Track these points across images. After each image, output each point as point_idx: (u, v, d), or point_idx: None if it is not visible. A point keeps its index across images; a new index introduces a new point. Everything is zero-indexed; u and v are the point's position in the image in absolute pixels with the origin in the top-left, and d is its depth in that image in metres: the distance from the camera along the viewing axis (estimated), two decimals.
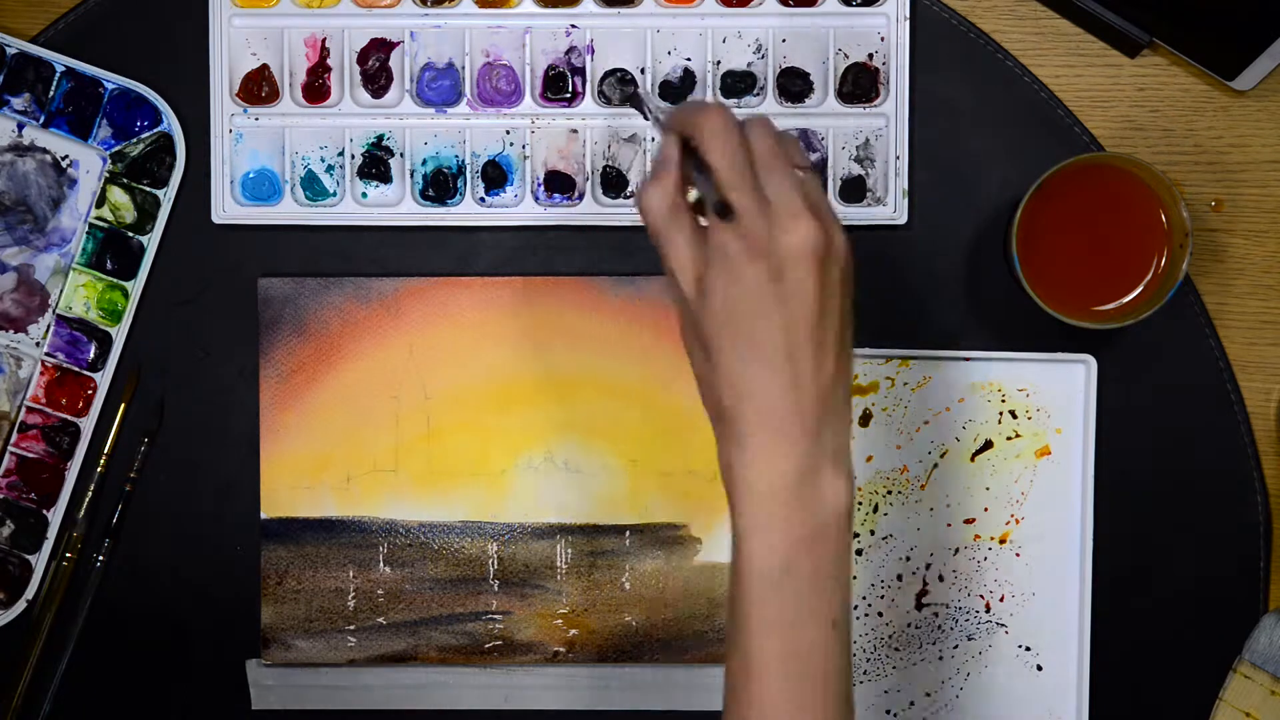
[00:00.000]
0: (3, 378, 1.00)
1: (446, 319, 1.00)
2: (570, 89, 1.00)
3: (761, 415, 0.72)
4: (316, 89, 1.00)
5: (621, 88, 1.00)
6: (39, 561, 1.00)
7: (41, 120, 0.99)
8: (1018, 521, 1.00)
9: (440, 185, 1.00)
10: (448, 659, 1.01)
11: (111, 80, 0.99)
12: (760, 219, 0.72)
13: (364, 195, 1.00)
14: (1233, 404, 1.00)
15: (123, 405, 1.00)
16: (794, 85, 1.00)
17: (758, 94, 0.99)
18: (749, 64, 1.00)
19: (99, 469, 1.00)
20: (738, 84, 1.00)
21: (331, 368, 1.00)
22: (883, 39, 0.99)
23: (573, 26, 1.00)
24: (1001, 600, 1.00)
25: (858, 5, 0.99)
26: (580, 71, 1.00)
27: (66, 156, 1.00)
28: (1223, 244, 1.00)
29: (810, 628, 0.72)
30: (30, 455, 1.00)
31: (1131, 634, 1.00)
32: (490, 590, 1.00)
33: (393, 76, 1.00)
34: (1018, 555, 1.00)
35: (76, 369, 1.00)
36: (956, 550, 1.00)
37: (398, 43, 1.00)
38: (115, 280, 1.00)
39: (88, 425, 1.00)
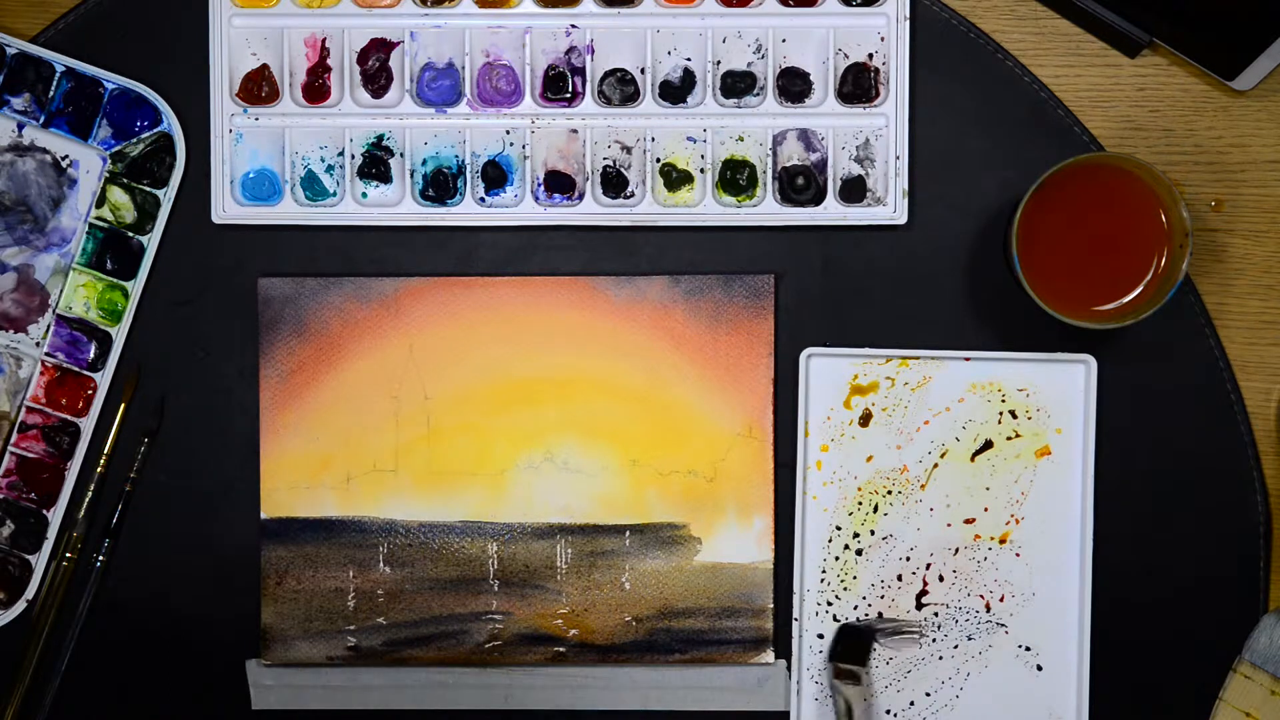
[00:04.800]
0: (3, 378, 1.00)
1: (446, 319, 1.00)
2: (570, 89, 1.00)
3: None
4: (316, 89, 1.00)
5: (622, 88, 1.00)
6: (39, 561, 1.00)
7: (41, 120, 0.99)
8: (1018, 521, 1.00)
9: (440, 185, 1.00)
10: (448, 659, 1.01)
11: (111, 80, 0.99)
12: None
13: (364, 195, 1.00)
14: (1233, 404, 1.00)
15: (123, 405, 1.00)
16: (794, 85, 1.00)
17: (758, 94, 0.99)
18: (749, 64, 1.00)
19: (99, 469, 1.00)
20: (738, 84, 1.00)
21: (331, 368, 1.00)
22: (883, 39, 0.99)
23: (573, 26, 1.00)
24: (1001, 600, 1.00)
25: (858, 5, 0.99)
26: (580, 71, 1.00)
27: (66, 156, 1.00)
28: (1223, 244, 1.00)
29: None
30: (30, 455, 1.00)
31: (1131, 634, 1.00)
32: (490, 590, 1.00)
33: (393, 76, 1.00)
34: (1018, 555, 1.00)
35: (76, 369, 1.00)
36: (956, 550, 1.00)
37: (398, 43, 1.00)
38: (115, 280, 1.00)
39: (88, 425, 1.00)
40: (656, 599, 1.00)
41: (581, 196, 1.00)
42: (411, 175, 1.00)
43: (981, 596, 1.00)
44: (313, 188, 1.00)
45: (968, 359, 0.99)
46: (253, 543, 1.01)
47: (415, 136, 1.00)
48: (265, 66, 1.00)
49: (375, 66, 1.00)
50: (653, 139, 0.99)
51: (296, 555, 1.00)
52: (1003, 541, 1.00)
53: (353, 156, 1.00)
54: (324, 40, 1.00)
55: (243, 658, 1.01)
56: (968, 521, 1.00)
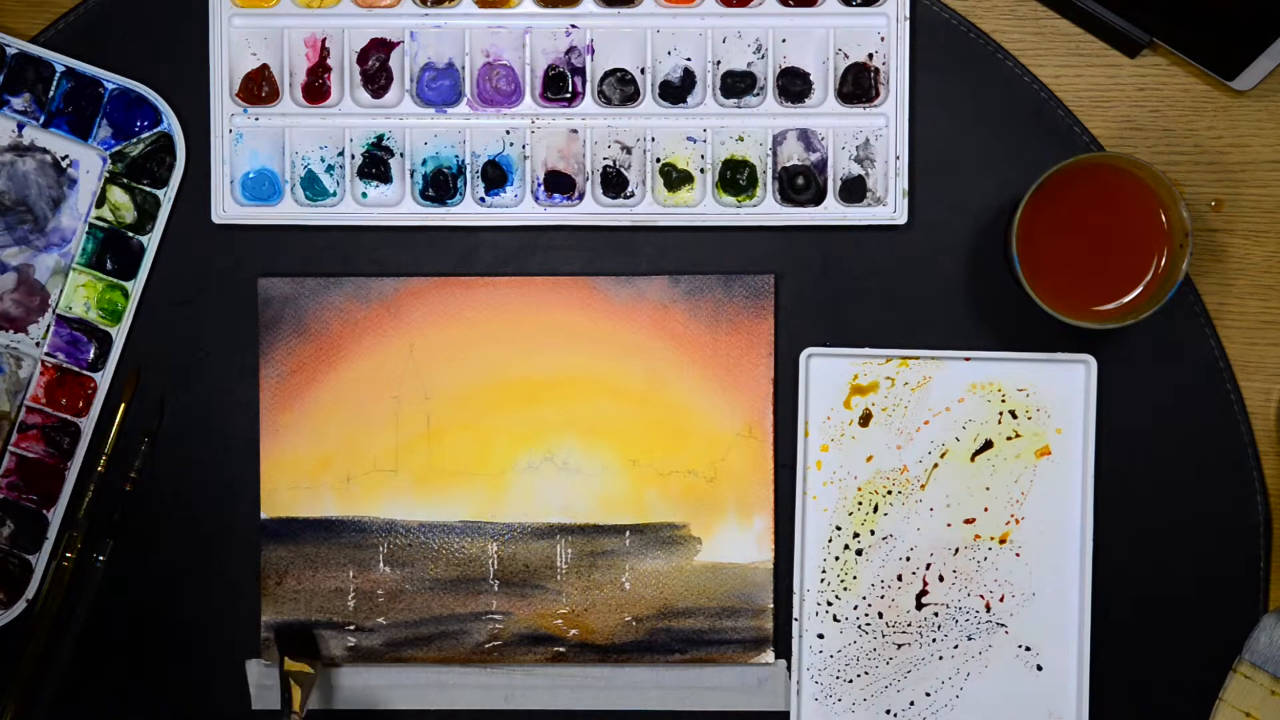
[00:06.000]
0: (3, 378, 1.00)
1: (446, 319, 1.00)
2: (570, 89, 1.00)
3: None
4: (316, 89, 1.00)
5: (622, 88, 1.00)
6: (39, 561, 1.00)
7: (41, 120, 0.99)
8: (1018, 521, 1.00)
9: (440, 185, 1.00)
10: (448, 659, 1.01)
11: (111, 80, 0.99)
12: None
13: (364, 195, 1.00)
14: (1233, 404, 1.00)
15: (123, 405, 1.00)
16: (794, 85, 1.00)
17: (758, 94, 0.99)
18: (749, 64, 1.00)
19: (99, 469, 1.00)
20: (738, 84, 1.00)
21: (331, 368, 1.00)
22: (883, 39, 0.99)
23: (573, 26, 1.00)
24: (1001, 600, 1.00)
25: (858, 5, 0.99)
26: (580, 71, 1.00)
27: (66, 156, 1.00)
28: (1223, 244, 1.00)
29: None
30: (30, 455, 1.00)
31: (1131, 634, 1.00)
32: (490, 590, 1.00)
33: (393, 76, 1.00)
34: (1018, 555, 1.00)
35: (76, 369, 1.00)
36: (956, 550, 1.00)
37: (398, 43, 1.00)
38: (115, 280, 1.00)
39: (88, 425, 1.00)
40: (656, 599, 1.00)
41: (581, 196, 1.00)
42: (411, 175, 1.00)
43: (981, 596, 1.00)
44: (313, 188, 1.00)
45: (968, 359, 0.99)
46: (253, 543, 1.01)
47: (415, 136, 1.00)
48: (265, 66, 1.00)
49: (375, 66, 1.00)
50: (653, 139, 0.99)
51: (296, 555, 1.00)
52: (1003, 541, 1.00)
53: (353, 156, 1.00)
54: (324, 40, 1.00)
55: (243, 658, 1.01)
56: (968, 521, 1.00)
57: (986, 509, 1.00)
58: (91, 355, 1.00)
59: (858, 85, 0.99)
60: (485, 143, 1.00)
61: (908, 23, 0.99)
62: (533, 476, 1.00)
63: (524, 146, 1.00)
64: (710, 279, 1.00)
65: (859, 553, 1.00)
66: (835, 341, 1.00)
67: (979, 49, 1.00)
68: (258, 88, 1.00)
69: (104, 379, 1.00)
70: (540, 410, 1.00)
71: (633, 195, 1.00)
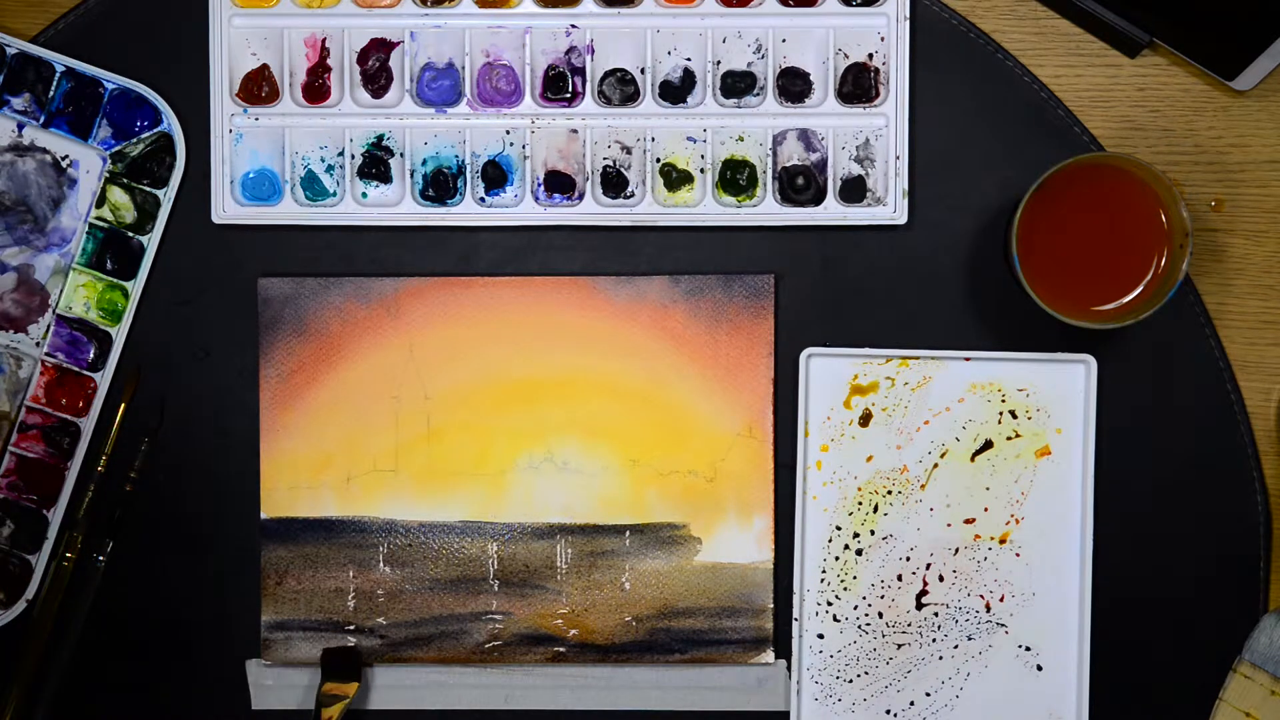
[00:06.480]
0: (3, 378, 1.00)
1: (446, 319, 1.00)
2: (570, 89, 1.00)
3: None
4: (316, 89, 1.00)
5: (622, 88, 1.00)
6: (39, 561, 1.00)
7: (41, 120, 0.99)
8: (1018, 521, 1.00)
9: (440, 185, 1.00)
10: (448, 659, 1.01)
11: (111, 80, 0.99)
12: None
13: (364, 195, 1.00)
14: (1233, 404, 1.00)
15: (123, 405, 1.00)
16: (794, 85, 1.00)
17: (758, 94, 0.99)
18: (749, 64, 1.00)
19: (99, 469, 1.00)
20: (738, 84, 1.00)
21: (331, 368, 1.00)
22: (883, 39, 0.99)
23: (573, 26, 1.00)
24: (1001, 600, 1.00)
25: (858, 5, 0.99)
26: (580, 71, 1.00)
27: (66, 156, 1.00)
28: (1223, 244, 1.00)
29: None
30: (30, 455, 1.00)
31: (1131, 634, 1.00)
32: (490, 590, 1.00)
33: (393, 76, 1.00)
34: (1018, 555, 1.00)
35: (76, 369, 1.00)
36: (956, 550, 1.00)
37: (398, 43, 1.00)
38: (115, 280, 1.00)
39: (88, 425, 1.00)
40: (656, 599, 1.00)
41: (581, 196, 1.00)
42: (411, 175, 1.00)
43: (981, 596, 1.00)
44: (313, 188, 1.00)
45: (968, 359, 0.99)
46: (253, 543, 1.01)
47: (415, 136, 1.00)
48: (265, 66, 1.00)
49: (375, 66, 1.00)
50: (653, 139, 0.99)
51: (296, 555, 1.00)
52: (1003, 541, 1.00)
53: (353, 156, 1.00)
54: (324, 40, 1.00)
55: (243, 658, 1.01)
56: (968, 521, 1.00)
57: (986, 509, 1.00)
58: (91, 355, 1.00)
59: (858, 85, 0.99)
60: (485, 143, 1.00)
61: (908, 23, 0.99)
62: (533, 476, 1.00)
63: (524, 146, 1.00)
64: (710, 279, 1.00)
65: (859, 553, 1.00)
66: (835, 341, 1.00)
67: (979, 49, 1.00)
68: (258, 88, 1.00)
69: (104, 379, 1.00)
70: (540, 410, 1.00)
71: (633, 195, 1.00)
